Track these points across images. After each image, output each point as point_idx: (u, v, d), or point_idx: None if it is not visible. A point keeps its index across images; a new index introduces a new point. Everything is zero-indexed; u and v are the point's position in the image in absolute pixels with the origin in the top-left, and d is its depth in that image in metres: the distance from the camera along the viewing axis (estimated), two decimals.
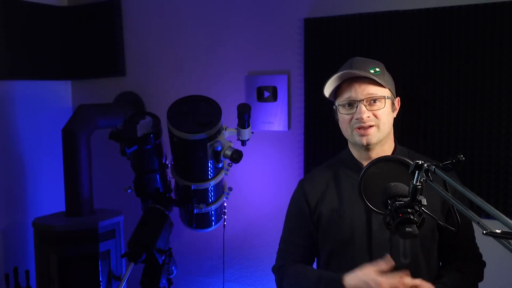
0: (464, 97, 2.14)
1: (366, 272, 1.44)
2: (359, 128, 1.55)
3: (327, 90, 1.61)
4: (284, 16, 2.55)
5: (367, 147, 1.58)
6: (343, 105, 1.59)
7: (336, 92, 1.63)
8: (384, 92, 1.57)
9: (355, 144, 1.61)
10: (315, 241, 1.70)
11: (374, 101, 1.55)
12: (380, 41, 2.28)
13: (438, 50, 2.17)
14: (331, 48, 2.39)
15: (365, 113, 1.53)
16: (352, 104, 1.57)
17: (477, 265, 1.67)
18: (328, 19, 2.40)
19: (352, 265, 1.51)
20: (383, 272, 1.42)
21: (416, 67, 2.22)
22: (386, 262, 1.43)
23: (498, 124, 2.08)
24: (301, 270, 1.65)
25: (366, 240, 1.56)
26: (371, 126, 1.55)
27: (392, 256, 1.48)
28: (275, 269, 1.76)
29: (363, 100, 1.54)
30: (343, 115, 1.60)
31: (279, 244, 1.78)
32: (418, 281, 1.41)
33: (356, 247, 1.57)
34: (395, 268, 1.44)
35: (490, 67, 2.08)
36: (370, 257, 1.53)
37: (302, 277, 1.63)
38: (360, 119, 1.53)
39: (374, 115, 1.55)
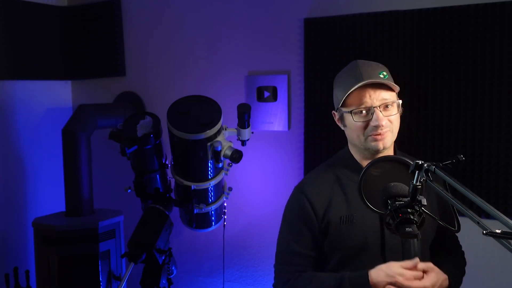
0: (464, 97, 2.14)
1: (392, 267, 1.42)
2: (376, 134, 1.51)
3: (339, 99, 1.56)
4: (284, 16, 2.55)
5: (377, 152, 1.54)
6: (357, 113, 1.52)
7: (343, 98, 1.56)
8: (394, 96, 1.54)
9: (368, 150, 1.56)
10: (320, 251, 1.60)
11: (387, 106, 1.52)
12: (380, 41, 2.28)
13: (438, 50, 2.17)
14: (331, 48, 2.39)
15: (383, 119, 1.50)
16: (367, 110, 1.52)
17: (463, 259, 1.70)
18: (328, 19, 2.40)
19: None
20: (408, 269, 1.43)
21: (416, 67, 2.22)
22: (411, 261, 1.43)
23: (498, 124, 2.08)
24: (316, 276, 1.55)
25: (380, 244, 1.52)
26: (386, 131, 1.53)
27: (404, 259, 1.47)
28: (278, 286, 1.63)
29: (379, 107, 1.50)
30: (356, 123, 1.53)
31: (277, 258, 1.64)
32: (430, 265, 1.44)
33: (369, 252, 1.53)
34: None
35: (490, 67, 2.08)
36: (384, 261, 1.49)
37: (319, 282, 1.53)
38: (379, 126, 1.50)
39: (389, 121, 1.52)
